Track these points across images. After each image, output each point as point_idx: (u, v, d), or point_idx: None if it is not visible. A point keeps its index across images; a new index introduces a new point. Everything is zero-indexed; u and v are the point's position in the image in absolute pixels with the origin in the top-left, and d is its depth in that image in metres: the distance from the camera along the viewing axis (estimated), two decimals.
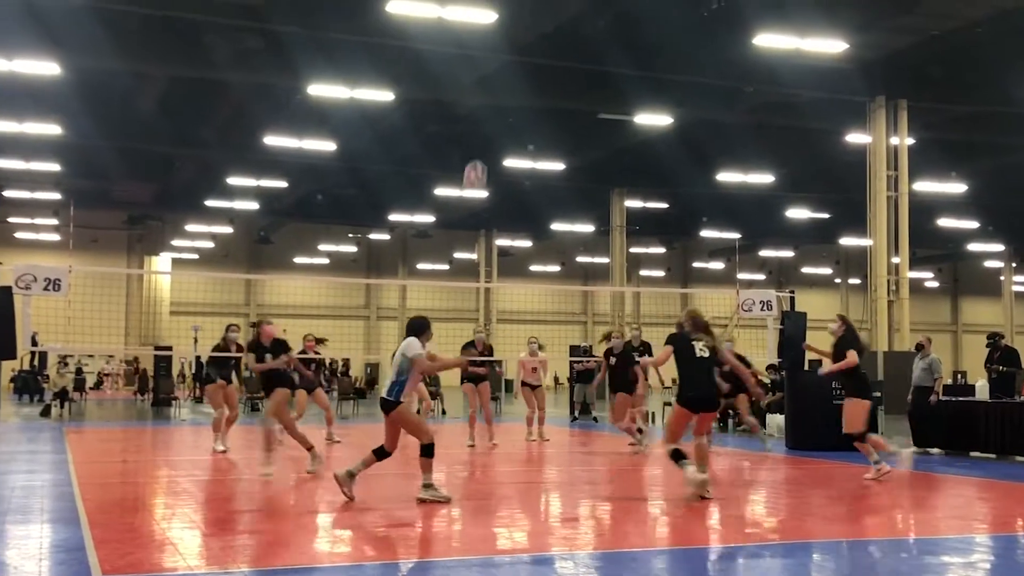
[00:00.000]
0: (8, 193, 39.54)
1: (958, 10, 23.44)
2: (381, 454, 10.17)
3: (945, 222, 44.41)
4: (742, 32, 22.43)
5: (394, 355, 10.21)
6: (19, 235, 46.02)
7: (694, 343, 10.50)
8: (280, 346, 12.71)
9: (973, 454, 15.45)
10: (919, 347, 18.03)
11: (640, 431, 15.71)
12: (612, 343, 15.96)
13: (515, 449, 16.93)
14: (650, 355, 15.86)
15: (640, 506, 10.72)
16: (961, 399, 16.95)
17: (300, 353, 15.89)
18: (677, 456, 10.39)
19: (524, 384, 18.02)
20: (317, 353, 17.45)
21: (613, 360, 15.81)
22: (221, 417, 15.66)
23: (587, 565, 7.44)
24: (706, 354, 10.51)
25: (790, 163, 36.50)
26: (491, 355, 17.92)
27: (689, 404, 10.46)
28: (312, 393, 16.65)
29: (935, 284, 63.92)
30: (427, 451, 10.01)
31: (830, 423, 16.25)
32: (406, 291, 57.15)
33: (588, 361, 23.93)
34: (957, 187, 36.92)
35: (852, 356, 12.39)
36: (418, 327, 10.33)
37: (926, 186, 34.85)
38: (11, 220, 44.89)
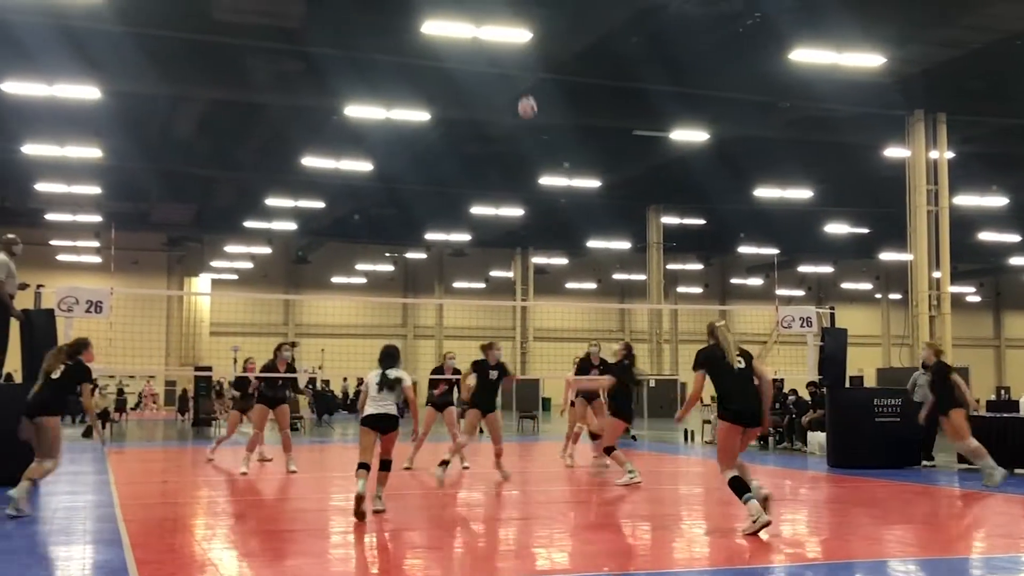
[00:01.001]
0: (50, 216, 40.04)
1: (998, 22, 23.21)
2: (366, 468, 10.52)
3: (986, 236, 43.95)
4: (778, 47, 22.34)
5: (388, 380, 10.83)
6: (61, 258, 46.55)
7: (727, 356, 9.70)
8: None
9: (1018, 471, 15.21)
10: (925, 365, 17.80)
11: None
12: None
13: (548, 469, 16.87)
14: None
15: (679, 525, 10.63)
16: (1005, 415, 16.70)
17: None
18: (740, 490, 9.35)
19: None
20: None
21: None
22: (257, 439, 15.72)
23: None
24: (743, 364, 9.73)
25: (828, 178, 36.28)
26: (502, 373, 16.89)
27: (738, 419, 9.54)
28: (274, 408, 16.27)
29: (977, 299, 63.24)
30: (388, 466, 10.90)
31: (872, 441, 16.13)
32: (443, 310, 57.26)
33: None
34: (998, 200, 36.54)
35: (606, 379, 14.29)
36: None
37: (966, 200, 34.52)
38: (53, 243, 45.42)
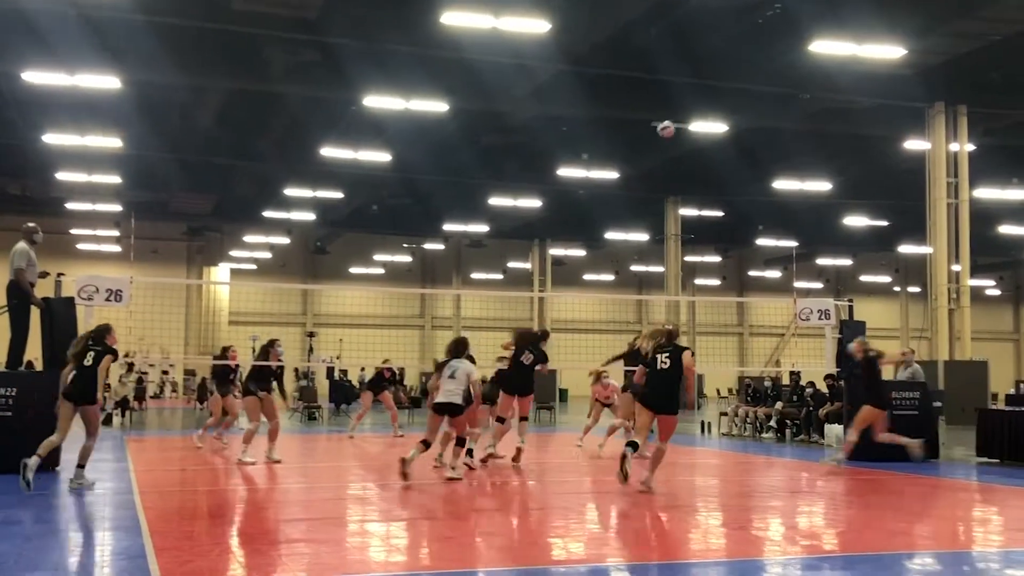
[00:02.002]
0: (70, 205, 40.24)
1: (1019, 14, 23.09)
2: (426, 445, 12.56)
3: (1007, 229, 43.68)
4: (798, 38, 22.27)
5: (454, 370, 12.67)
6: (81, 246, 46.79)
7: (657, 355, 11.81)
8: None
9: None
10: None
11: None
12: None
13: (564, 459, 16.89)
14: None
15: (694, 516, 10.64)
16: None
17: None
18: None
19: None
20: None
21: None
22: (255, 430, 15.50)
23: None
24: (667, 365, 11.72)
25: (847, 170, 36.13)
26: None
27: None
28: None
29: (996, 292, 62.85)
30: (462, 442, 12.96)
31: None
32: (460, 301, 57.30)
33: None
34: (1019, 193, 36.30)
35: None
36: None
37: (987, 192, 34.32)
38: (73, 232, 45.66)
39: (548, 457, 17.82)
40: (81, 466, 11.81)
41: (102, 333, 11.90)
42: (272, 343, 15.97)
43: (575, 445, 17.88)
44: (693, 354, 12.34)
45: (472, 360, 13.63)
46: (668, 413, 11.78)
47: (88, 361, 11.58)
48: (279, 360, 15.78)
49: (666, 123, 19.04)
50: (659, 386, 11.81)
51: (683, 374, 11.87)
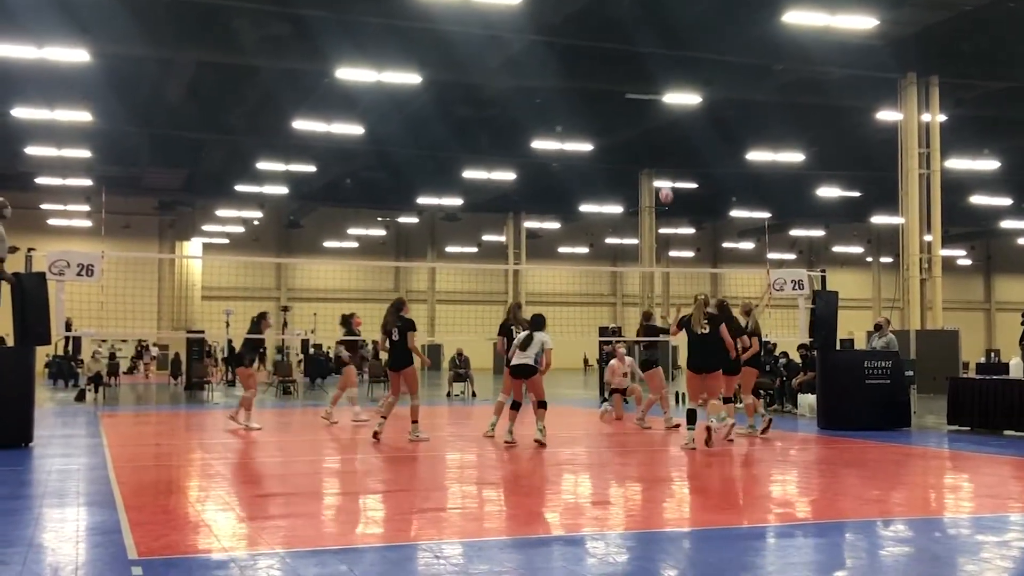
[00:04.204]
0: (40, 180, 39.87)
1: None
2: (516, 407, 14.07)
3: (978, 199, 44.00)
4: (771, 9, 22.26)
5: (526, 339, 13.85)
6: (52, 222, 46.42)
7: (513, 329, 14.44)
8: None
9: (1007, 433, 15.33)
10: (877, 327, 18.07)
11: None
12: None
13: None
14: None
15: (668, 487, 10.71)
16: (995, 378, 16.79)
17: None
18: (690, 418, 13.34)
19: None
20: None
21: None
22: (253, 397, 16.57)
23: (617, 545, 7.45)
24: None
25: (820, 141, 36.24)
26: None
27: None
28: None
29: (968, 262, 63.41)
30: (543, 404, 13.93)
31: (862, 403, 16.24)
32: (435, 274, 57.33)
33: (617, 342, 23.74)
34: (990, 164, 36.55)
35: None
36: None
37: (958, 163, 34.53)
38: (44, 207, 45.27)
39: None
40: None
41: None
42: (263, 316, 16.86)
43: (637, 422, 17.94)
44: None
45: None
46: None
47: None
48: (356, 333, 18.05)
49: (666, 191, 19.66)
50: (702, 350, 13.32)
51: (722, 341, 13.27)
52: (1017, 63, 27.60)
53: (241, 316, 20.08)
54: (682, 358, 46.79)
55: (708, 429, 13.13)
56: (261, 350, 17.48)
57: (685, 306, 14.61)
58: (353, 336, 18.43)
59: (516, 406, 14.05)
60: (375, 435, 14.09)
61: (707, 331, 13.15)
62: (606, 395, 19.96)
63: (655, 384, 17.20)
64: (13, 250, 13.97)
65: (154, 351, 46.08)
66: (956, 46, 27.29)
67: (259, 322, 16.80)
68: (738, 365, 14.15)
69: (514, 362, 13.89)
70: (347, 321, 18.42)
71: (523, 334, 13.97)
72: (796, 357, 21.05)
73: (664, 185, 19.38)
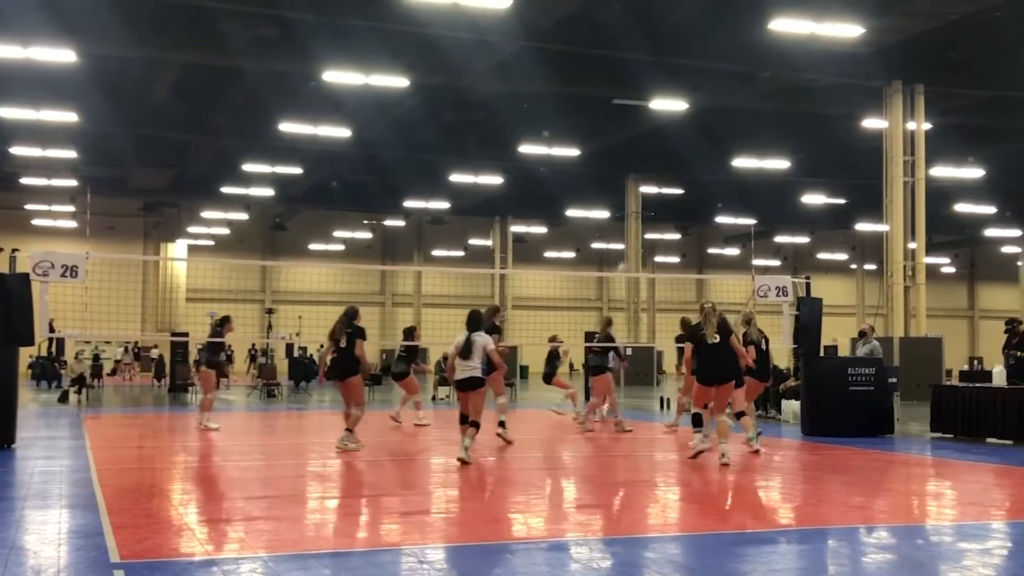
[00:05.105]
0: (25, 180, 39.69)
1: None
2: (465, 420, 12.34)
3: (962, 207, 44.20)
4: (758, 16, 22.31)
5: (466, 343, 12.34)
6: (36, 222, 46.20)
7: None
8: None
9: (990, 440, 15.39)
10: (862, 334, 18.16)
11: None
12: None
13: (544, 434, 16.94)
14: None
15: (651, 492, 10.72)
16: (978, 385, 16.87)
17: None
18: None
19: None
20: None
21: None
22: (212, 398, 17.50)
23: (602, 551, 7.45)
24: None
25: (806, 148, 36.35)
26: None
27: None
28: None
29: (952, 270, 63.65)
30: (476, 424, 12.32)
31: (846, 410, 16.29)
32: (421, 277, 57.25)
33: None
34: (974, 172, 36.71)
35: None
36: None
37: (943, 171, 34.67)
38: (28, 207, 45.06)
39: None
40: None
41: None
42: (226, 320, 17.45)
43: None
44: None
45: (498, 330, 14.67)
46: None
47: None
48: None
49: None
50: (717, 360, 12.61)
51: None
52: (1002, 72, 27.74)
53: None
54: (668, 363, 46.71)
55: (756, 451, 13.19)
56: (230, 353, 17.97)
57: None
58: (413, 343, 18.75)
59: (465, 419, 12.47)
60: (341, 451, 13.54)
61: (718, 341, 12.44)
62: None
63: (599, 388, 17.80)
64: None
65: (120, 353, 45.89)
66: (942, 55, 27.40)
67: (222, 326, 17.32)
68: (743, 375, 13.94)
69: (458, 376, 12.41)
70: (410, 333, 18.98)
71: (461, 338, 12.45)
72: (782, 363, 21.10)
73: None
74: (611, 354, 18.65)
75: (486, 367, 12.65)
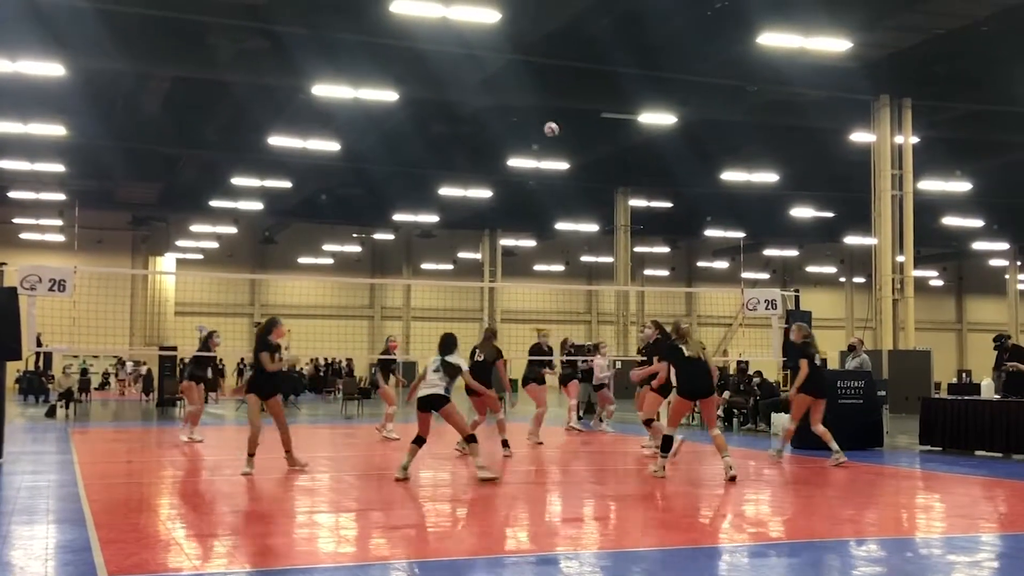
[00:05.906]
0: (13, 194, 39.59)
1: (962, 8, 23.41)
2: (420, 442, 11.97)
3: (950, 220, 44.38)
4: (746, 31, 22.42)
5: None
6: (24, 236, 46.07)
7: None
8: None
9: (978, 453, 15.42)
10: (851, 348, 18.17)
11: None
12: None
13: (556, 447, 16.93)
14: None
15: (636, 506, 10.70)
16: (966, 398, 16.89)
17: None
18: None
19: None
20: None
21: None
22: (199, 412, 17.57)
23: (592, 564, 7.43)
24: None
25: (794, 162, 36.49)
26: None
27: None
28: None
29: (940, 283, 63.84)
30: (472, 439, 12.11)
31: (835, 423, 16.25)
32: (410, 291, 57.19)
33: (590, 360, 23.65)
34: (962, 185, 36.89)
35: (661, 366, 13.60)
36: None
37: (931, 184, 34.84)
38: (16, 221, 44.94)
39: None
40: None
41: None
42: (212, 334, 17.77)
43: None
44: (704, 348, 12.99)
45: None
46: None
47: None
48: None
49: (550, 126, 19.38)
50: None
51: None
52: (989, 86, 27.92)
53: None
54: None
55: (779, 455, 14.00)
56: (221, 367, 18.05)
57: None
58: (390, 357, 18.71)
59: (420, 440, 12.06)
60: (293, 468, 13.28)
61: (698, 356, 12.44)
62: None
63: (541, 398, 18.06)
64: None
65: (129, 367, 45.67)
66: (929, 68, 27.57)
67: (207, 340, 17.58)
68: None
69: (421, 393, 11.93)
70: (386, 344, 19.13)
71: (434, 360, 12.10)
72: (771, 376, 21.13)
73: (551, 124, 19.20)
74: (597, 361, 19.08)
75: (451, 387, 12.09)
